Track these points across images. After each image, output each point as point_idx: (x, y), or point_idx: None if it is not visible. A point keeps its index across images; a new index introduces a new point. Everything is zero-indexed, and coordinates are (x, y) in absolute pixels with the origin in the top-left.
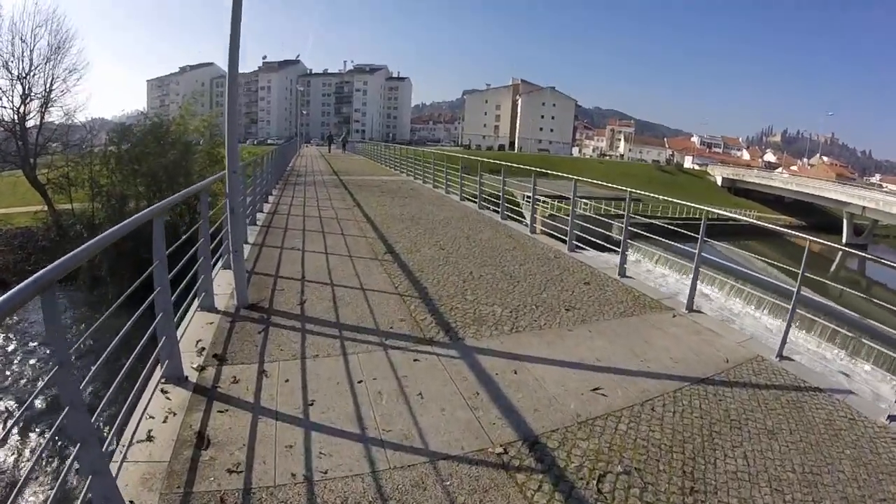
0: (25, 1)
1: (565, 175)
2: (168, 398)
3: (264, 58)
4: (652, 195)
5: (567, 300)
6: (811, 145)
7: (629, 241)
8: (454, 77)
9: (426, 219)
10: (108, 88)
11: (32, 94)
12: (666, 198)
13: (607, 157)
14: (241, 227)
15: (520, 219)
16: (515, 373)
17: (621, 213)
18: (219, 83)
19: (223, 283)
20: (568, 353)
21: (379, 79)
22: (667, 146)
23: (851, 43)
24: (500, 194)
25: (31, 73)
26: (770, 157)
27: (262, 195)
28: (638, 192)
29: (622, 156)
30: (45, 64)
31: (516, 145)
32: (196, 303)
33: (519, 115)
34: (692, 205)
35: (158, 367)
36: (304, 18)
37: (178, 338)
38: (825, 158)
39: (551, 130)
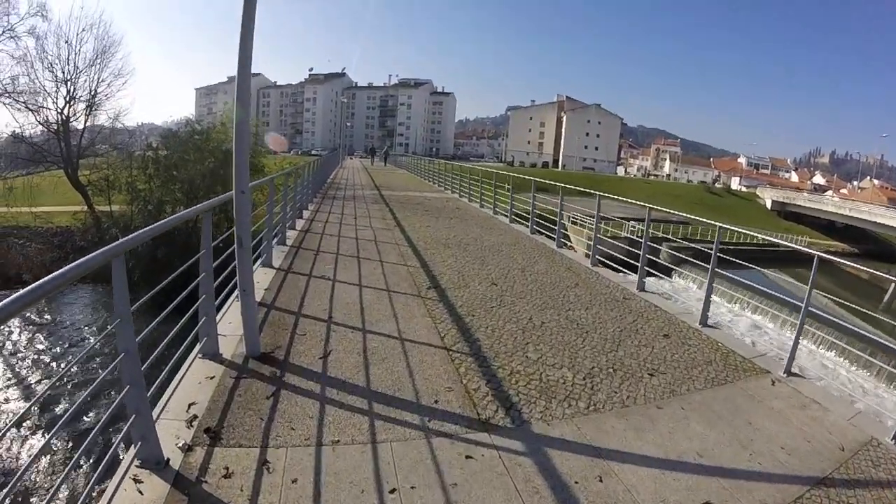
0: (72, 4)
1: (634, 201)
2: (140, 491)
3: (310, 70)
4: (713, 222)
5: (648, 360)
6: (860, 168)
7: (684, 264)
8: (498, 93)
9: (474, 244)
10: (160, 94)
11: (76, 96)
12: (736, 227)
13: (653, 177)
14: (249, 262)
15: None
16: (601, 480)
17: (671, 237)
18: (265, 93)
19: (235, 319)
20: (662, 444)
21: (423, 93)
22: (713, 167)
23: None
24: (557, 219)
25: (76, 76)
26: (819, 179)
27: (297, 210)
28: (701, 219)
29: (670, 176)
30: (90, 68)
31: (560, 163)
32: (197, 348)
33: (563, 132)
34: (755, 233)
35: (133, 446)
36: (351, 33)
37: (168, 396)
38: (875, 181)
39: (596, 148)
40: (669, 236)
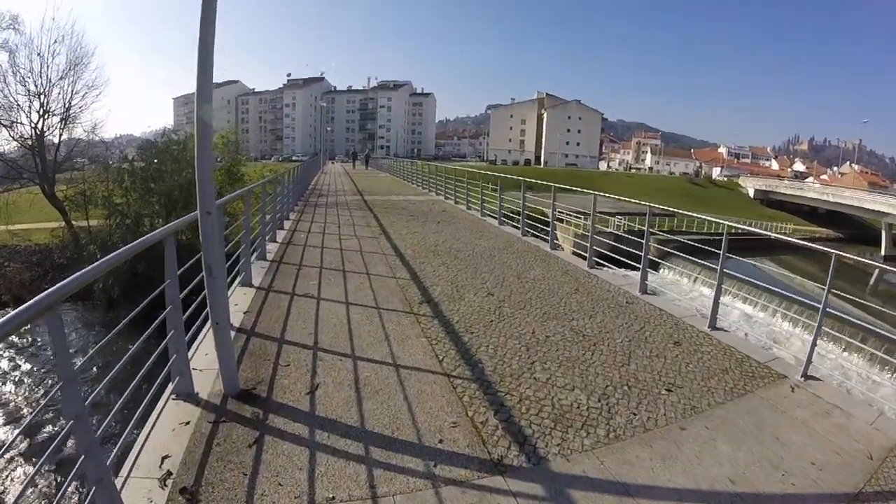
0: (44, 17)
1: (638, 201)
2: None
3: (289, 75)
4: (705, 216)
5: (663, 373)
6: (839, 153)
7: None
8: (477, 92)
9: (465, 251)
10: (139, 104)
11: (50, 110)
12: (738, 225)
13: (635, 171)
14: (223, 291)
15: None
16: None
17: (656, 231)
18: (244, 101)
19: (212, 350)
20: (692, 472)
21: (403, 95)
22: (694, 158)
23: (878, 48)
24: (550, 220)
25: (49, 90)
26: (799, 166)
27: (278, 221)
28: (696, 214)
29: (651, 169)
30: (62, 80)
31: (542, 160)
32: (170, 388)
33: (544, 129)
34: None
35: None
36: (328, 37)
37: (139, 449)
38: (855, 166)
39: (577, 144)
40: (654, 230)
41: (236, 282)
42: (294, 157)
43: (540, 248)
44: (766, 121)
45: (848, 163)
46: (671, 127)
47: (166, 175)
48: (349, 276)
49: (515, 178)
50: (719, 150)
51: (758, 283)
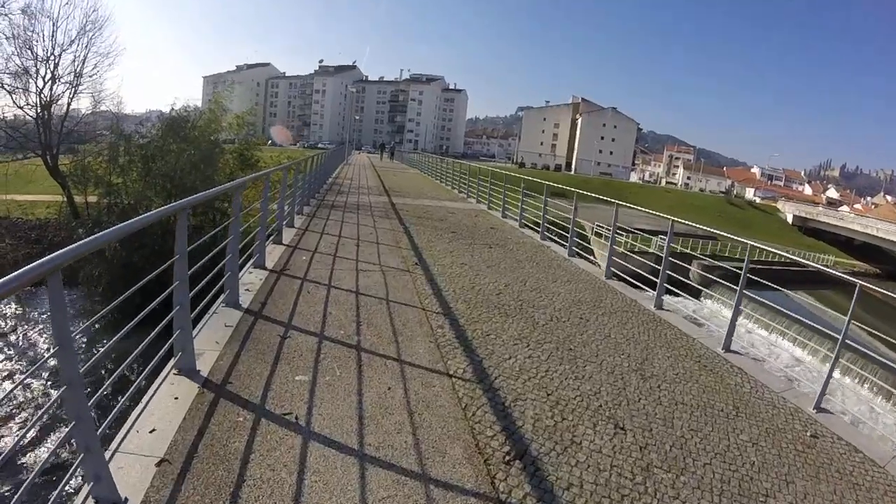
0: None
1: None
2: None
3: (321, 61)
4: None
5: None
6: (870, 182)
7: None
8: (507, 93)
9: (541, 303)
10: (172, 82)
11: (58, 77)
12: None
13: (672, 186)
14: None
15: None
16: None
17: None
18: (273, 84)
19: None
20: None
21: (435, 89)
22: (727, 176)
23: None
24: (661, 270)
25: (58, 56)
26: (833, 193)
27: (277, 229)
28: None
29: (688, 185)
30: (73, 45)
31: (573, 166)
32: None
33: (578, 134)
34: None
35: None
36: (362, 27)
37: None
38: (888, 198)
39: (611, 153)
40: (698, 253)
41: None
42: (320, 146)
43: (639, 304)
44: (796, 144)
45: (882, 193)
46: (702, 143)
47: (170, 154)
48: (367, 365)
49: (563, 187)
50: (752, 170)
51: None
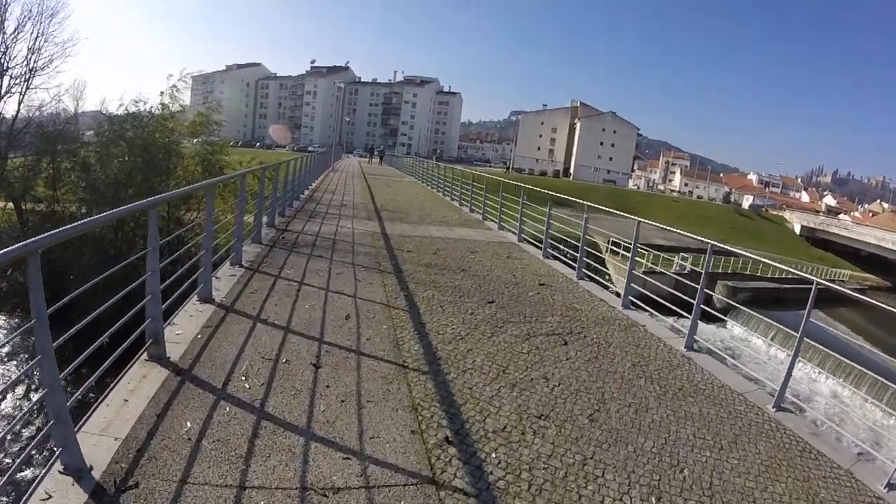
0: None
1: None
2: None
3: (313, 62)
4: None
5: None
6: (863, 188)
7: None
8: (501, 98)
9: None
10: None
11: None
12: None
13: (675, 193)
14: None
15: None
16: None
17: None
18: (264, 84)
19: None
20: None
21: (429, 92)
22: (724, 183)
23: None
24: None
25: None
26: (830, 199)
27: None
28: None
29: (691, 193)
30: (15, 34)
31: (572, 172)
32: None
33: (576, 140)
34: None
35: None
36: (355, 28)
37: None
38: (885, 205)
39: (610, 159)
40: (719, 270)
41: None
42: (310, 148)
43: (668, 345)
44: (788, 151)
45: (878, 201)
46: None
47: (107, 160)
48: None
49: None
50: (748, 177)
51: None
